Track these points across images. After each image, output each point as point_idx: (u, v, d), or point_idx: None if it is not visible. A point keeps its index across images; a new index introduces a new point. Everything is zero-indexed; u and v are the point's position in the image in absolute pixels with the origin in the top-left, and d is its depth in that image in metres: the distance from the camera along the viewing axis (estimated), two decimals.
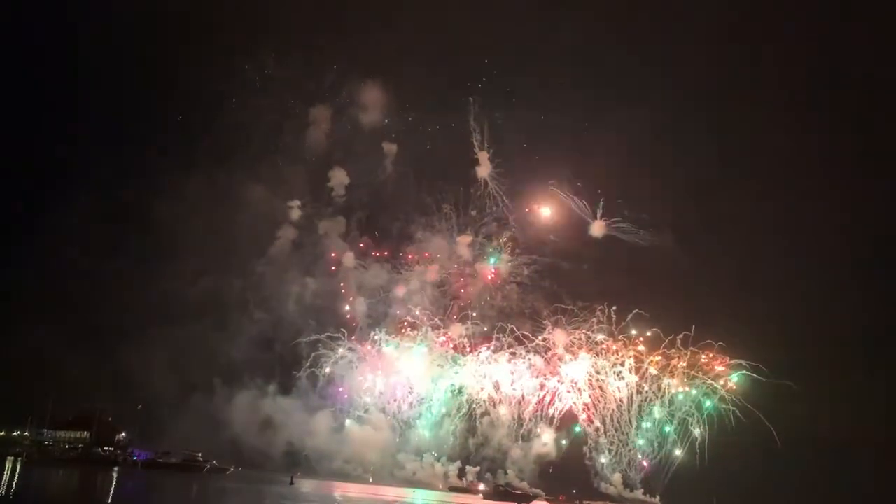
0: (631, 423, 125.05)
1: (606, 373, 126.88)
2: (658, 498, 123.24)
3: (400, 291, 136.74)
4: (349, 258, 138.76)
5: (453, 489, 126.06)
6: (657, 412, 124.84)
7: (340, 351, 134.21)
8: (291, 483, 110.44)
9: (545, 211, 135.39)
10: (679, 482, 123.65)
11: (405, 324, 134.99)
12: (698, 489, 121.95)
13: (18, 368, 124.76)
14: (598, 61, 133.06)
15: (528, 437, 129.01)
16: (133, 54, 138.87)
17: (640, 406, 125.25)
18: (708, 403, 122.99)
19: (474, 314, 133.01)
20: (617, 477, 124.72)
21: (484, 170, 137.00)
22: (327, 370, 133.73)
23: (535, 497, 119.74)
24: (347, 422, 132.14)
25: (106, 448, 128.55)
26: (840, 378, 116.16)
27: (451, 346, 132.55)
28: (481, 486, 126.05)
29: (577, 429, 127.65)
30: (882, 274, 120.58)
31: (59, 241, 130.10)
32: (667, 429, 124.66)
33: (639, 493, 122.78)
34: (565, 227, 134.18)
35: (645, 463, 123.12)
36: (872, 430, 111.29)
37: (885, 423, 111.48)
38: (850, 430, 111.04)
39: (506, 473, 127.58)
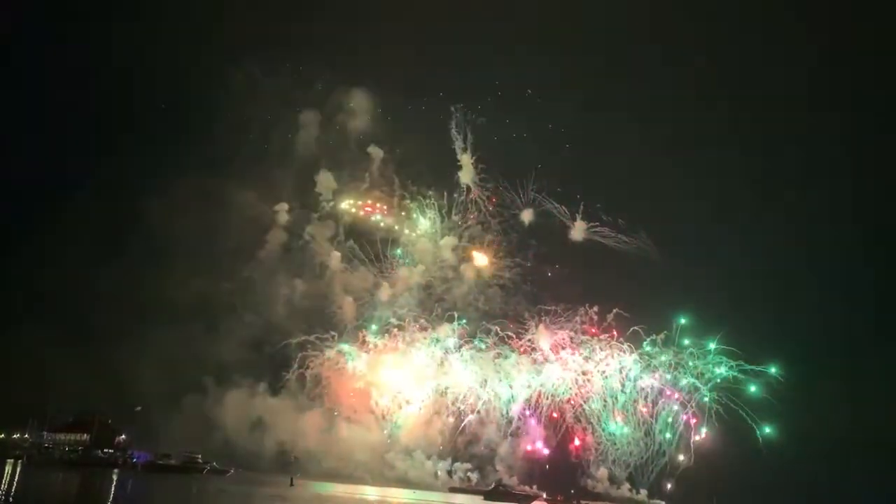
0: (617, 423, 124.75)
1: (591, 371, 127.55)
2: (646, 494, 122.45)
3: (386, 294, 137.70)
4: (336, 261, 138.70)
5: (453, 489, 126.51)
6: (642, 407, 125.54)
7: (328, 352, 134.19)
8: (291, 484, 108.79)
9: (526, 215, 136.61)
10: (666, 479, 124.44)
11: (392, 325, 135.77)
12: (686, 486, 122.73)
13: (18, 371, 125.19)
14: (580, 69, 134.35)
15: (516, 434, 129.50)
16: (127, 61, 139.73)
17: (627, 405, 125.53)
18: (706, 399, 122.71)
19: (458, 315, 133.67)
20: (603, 472, 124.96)
21: (467, 175, 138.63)
22: (316, 371, 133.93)
23: (536, 497, 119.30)
24: (337, 422, 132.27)
25: (106, 450, 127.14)
26: (829, 377, 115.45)
27: (439, 345, 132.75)
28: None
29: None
30: (866, 275, 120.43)
31: (56, 245, 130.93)
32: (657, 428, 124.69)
33: (625, 490, 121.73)
34: (546, 230, 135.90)
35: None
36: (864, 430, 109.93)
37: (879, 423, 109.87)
38: (842, 430, 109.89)
39: (496, 470, 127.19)
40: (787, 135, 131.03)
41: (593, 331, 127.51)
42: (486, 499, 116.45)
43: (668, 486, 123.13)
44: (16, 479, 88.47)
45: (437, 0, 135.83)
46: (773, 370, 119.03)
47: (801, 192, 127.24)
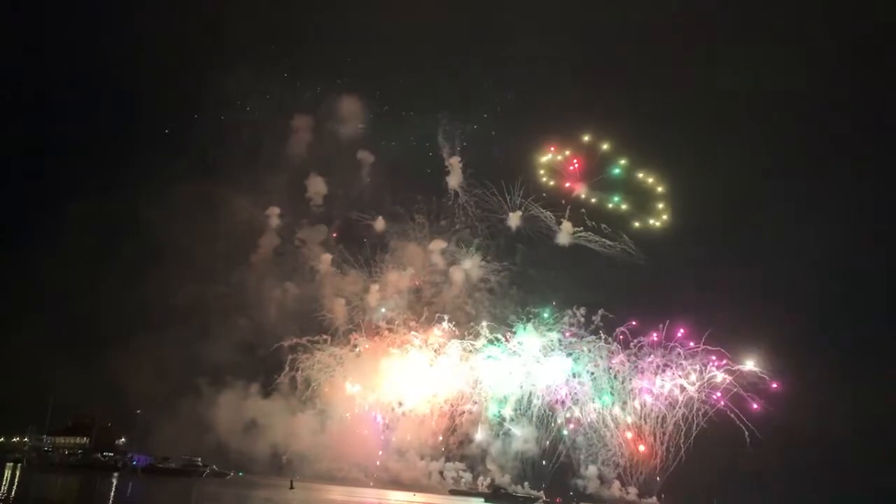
0: (606, 425, 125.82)
1: (581, 373, 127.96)
2: (636, 493, 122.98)
3: (376, 297, 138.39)
4: (327, 264, 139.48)
5: (454, 492, 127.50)
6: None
7: (320, 354, 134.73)
8: (291, 487, 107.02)
9: (513, 219, 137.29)
10: (654, 479, 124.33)
11: (383, 327, 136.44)
12: (676, 486, 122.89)
13: (17, 375, 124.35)
14: (562, 79, 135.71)
15: (508, 434, 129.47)
16: (122, 67, 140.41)
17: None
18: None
19: (448, 317, 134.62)
20: (592, 470, 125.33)
21: (455, 180, 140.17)
22: (308, 373, 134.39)
23: (536, 500, 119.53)
24: (329, 424, 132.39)
25: (105, 454, 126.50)
26: (825, 377, 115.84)
27: (428, 347, 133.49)
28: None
29: None
30: (840, 277, 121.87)
31: (54, 250, 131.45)
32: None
33: (616, 490, 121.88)
34: (533, 235, 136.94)
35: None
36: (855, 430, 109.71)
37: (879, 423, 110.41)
38: (840, 431, 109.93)
39: (488, 470, 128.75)
40: (774, 132, 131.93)
41: (580, 333, 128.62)
42: (486, 501, 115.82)
43: (659, 483, 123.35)
44: (15, 483, 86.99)
45: (429, 8, 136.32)
46: None
47: (794, 188, 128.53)
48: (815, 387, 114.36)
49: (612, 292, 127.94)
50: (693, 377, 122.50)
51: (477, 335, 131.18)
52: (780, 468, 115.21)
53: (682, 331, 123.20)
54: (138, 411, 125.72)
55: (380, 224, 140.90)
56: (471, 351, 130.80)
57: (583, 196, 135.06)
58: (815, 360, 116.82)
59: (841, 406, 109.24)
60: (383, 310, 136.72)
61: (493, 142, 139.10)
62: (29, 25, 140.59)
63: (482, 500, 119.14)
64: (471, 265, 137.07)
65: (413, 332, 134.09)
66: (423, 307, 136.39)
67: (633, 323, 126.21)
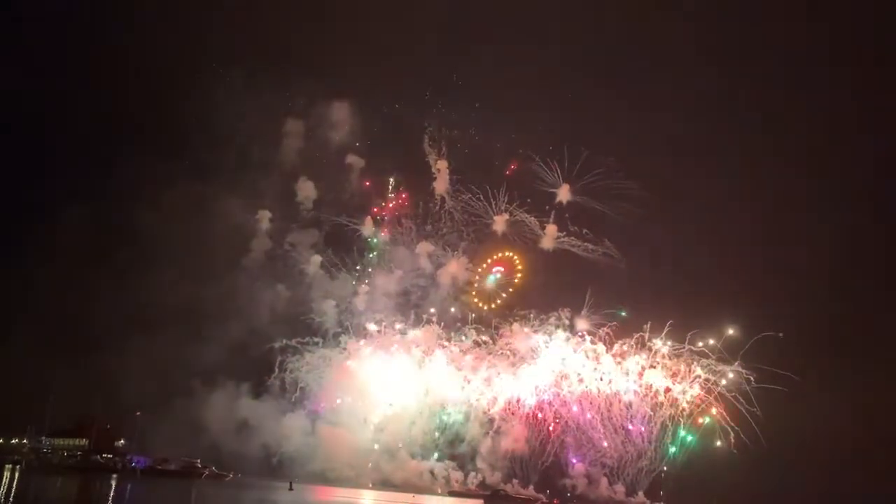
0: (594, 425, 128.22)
1: (568, 374, 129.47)
2: (623, 493, 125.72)
3: (364, 299, 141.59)
4: (316, 267, 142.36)
5: (453, 493, 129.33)
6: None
7: (310, 356, 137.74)
8: (291, 489, 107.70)
9: (499, 225, 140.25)
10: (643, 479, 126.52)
11: (372, 330, 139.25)
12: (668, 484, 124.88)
13: (17, 376, 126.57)
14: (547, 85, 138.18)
15: (498, 433, 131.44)
16: (117, 71, 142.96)
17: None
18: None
19: (435, 319, 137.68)
20: (580, 467, 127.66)
21: (441, 185, 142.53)
22: (298, 374, 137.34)
23: (536, 501, 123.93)
24: (319, 424, 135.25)
25: (105, 455, 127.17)
26: (821, 378, 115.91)
27: (417, 348, 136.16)
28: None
29: None
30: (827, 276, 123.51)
31: (51, 253, 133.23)
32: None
33: (603, 489, 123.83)
34: (517, 240, 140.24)
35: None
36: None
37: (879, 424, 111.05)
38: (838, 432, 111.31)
39: (478, 469, 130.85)
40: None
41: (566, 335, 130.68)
42: (486, 503, 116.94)
43: (649, 483, 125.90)
44: (14, 485, 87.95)
45: (420, 11, 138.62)
46: None
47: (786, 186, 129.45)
48: (811, 386, 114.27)
49: (596, 294, 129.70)
50: (679, 377, 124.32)
51: (465, 336, 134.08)
52: (771, 469, 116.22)
53: (666, 331, 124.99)
54: (137, 413, 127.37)
55: (368, 227, 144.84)
56: (459, 352, 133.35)
57: (564, 201, 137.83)
58: (811, 360, 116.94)
59: (839, 405, 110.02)
60: (370, 321, 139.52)
61: (480, 146, 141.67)
62: (25, 26, 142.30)
63: (482, 501, 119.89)
64: (457, 268, 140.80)
65: (401, 334, 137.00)
66: (411, 309, 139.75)
67: (617, 324, 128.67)
